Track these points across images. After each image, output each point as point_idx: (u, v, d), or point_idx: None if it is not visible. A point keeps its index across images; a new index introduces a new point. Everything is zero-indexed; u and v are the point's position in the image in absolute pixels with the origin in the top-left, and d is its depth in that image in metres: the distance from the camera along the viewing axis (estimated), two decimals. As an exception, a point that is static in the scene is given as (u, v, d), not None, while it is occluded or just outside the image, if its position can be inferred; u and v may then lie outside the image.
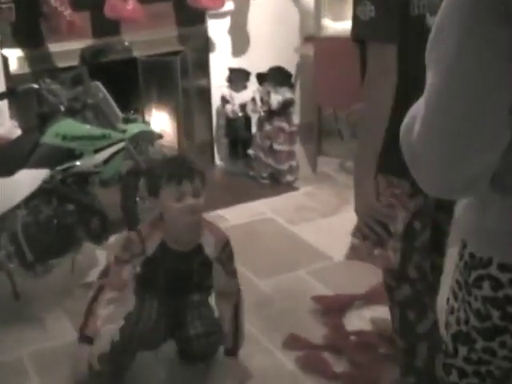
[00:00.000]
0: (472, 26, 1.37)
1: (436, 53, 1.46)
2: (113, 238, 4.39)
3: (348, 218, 5.11)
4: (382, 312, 3.99)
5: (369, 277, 4.28)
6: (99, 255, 4.58)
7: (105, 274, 3.31)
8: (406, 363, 3.07)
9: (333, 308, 4.02)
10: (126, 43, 4.43)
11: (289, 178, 5.69)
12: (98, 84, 4.10)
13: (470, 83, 1.40)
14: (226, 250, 3.32)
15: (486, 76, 1.39)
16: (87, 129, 3.94)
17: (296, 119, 5.78)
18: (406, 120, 1.58)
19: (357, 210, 2.81)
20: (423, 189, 1.61)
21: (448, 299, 1.84)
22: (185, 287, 3.39)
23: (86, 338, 3.25)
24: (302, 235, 4.91)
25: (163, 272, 3.30)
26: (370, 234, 2.77)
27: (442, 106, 1.46)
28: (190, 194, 3.11)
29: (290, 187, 5.65)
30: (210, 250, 3.27)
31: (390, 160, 2.34)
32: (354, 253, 2.88)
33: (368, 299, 4.10)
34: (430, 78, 1.48)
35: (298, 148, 5.85)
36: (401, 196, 2.69)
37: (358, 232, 2.85)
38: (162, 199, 3.14)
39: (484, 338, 1.75)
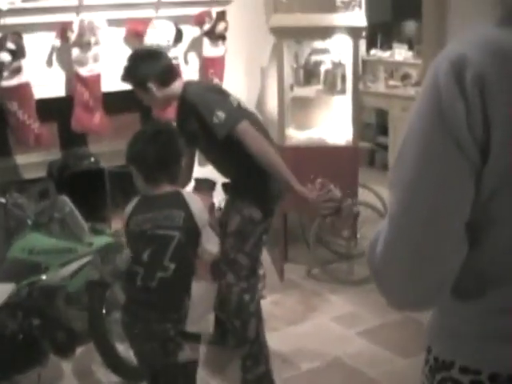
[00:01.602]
0: (430, 151, 1.50)
1: (397, 175, 1.58)
2: (79, 351, 4.36)
3: (315, 325, 5.16)
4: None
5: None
6: (65, 368, 4.54)
7: None
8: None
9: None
10: (92, 159, 4.49)
11: (256, 286, 5.67)
12: (65, 198, 4.13)
13: (427, 204, 1.52)
14: None
15: (443, 198, 1.51)
16: (53, 243, 3.96)
17: (262, 226, 5.82)
18: (372, 238, 1.66)
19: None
20: (388, 303, 1.69)
21: None
22: None
23: None
24: (269, 344, 4.89)
25: None
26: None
27: (401, 226, 1.56)
28: None
29: (257, 295, 5.64)
30: None
31: None
32: None
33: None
34: (391, 198, 1.59)
35: (264, 255, 5.87)
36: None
37: None
38: None
39: None
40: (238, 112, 4.10)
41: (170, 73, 4.17)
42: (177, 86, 4.14)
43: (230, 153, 4.10)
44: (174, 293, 3.18)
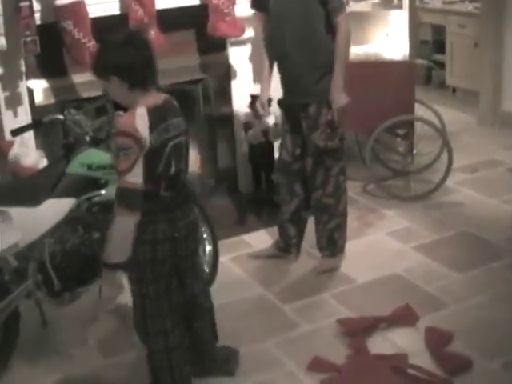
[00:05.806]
0: None
1: None
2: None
3: (371, 240, 5.18)
4: (406, 334, 4.03)
5: (392, 299, 4.31)
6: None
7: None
8: None
9: (357, 330, 4.04)
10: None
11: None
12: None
13: None
14: None
15: None
16: (111, 158, 4.00)
17: (318, 144, 5.82)
18: None
19: None
20: None
21: None
22: None
23: None
24: (326, 259, 4.94)
25: None
26: None
27: None
28: None
29: (314, 211, 5.65)
30: None
31: None
32: None
33: (392, 322, 4.11)
34: None
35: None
36: None
37: None
38: None
39: None
40: None
41: None
42: None
43: (320, 33, 4.46)
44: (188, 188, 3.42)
